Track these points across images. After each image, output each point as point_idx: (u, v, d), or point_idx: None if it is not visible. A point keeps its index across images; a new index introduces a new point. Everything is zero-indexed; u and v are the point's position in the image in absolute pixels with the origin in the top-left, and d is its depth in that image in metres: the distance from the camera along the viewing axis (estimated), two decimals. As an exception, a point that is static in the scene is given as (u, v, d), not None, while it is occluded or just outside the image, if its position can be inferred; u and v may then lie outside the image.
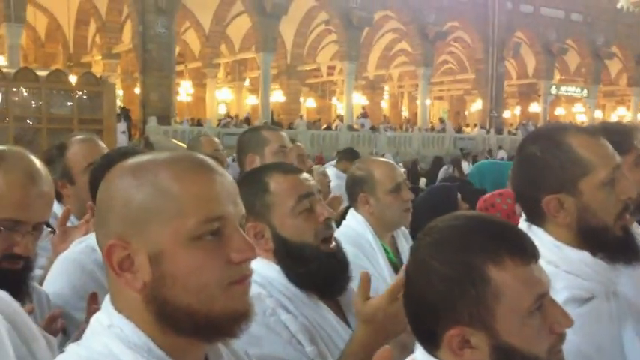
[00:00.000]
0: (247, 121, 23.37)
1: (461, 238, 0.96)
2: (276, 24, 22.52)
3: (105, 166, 1.69)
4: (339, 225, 2.60)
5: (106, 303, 0.91)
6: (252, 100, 30.64)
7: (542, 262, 1.20)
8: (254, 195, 1.44)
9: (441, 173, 12.32)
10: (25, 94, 11.56)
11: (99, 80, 12.82)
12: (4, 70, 11.75)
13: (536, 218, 1.35)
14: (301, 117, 24.49)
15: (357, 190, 2.31)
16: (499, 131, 27.33)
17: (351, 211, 2.37)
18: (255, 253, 0.90)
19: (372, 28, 26.52)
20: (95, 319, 0.90)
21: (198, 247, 0.85)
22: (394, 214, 2.28)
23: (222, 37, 26.99)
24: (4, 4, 17.31)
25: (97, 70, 23.82)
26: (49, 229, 1.36)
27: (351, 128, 23.30)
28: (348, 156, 6.48)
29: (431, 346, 0.98)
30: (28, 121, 11.51)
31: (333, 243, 1.47)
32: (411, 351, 1.03)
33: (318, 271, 1.41)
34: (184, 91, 27.39)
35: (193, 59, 27.87)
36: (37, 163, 1.34)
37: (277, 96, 28.28)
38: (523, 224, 1.38)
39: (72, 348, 0.89)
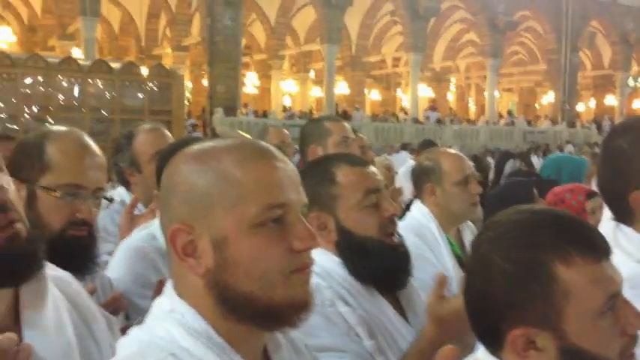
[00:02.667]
0: (310, 113, 23.47)
1: (525, 233, 0.91)
2: (342, 15, 22.46)
3: (171, 154, 1.71)
4: (400, 217, 2.56)
5: (168, 288, 0.91)
6: (316, 92, 30.73)
7: (631, 261, 1.13)
8: (319, 185, 1.42)
9: (508, 167, 11.99)
10: (100, 85, 12.03)
11: (168, 72, 13.16)
12: (80, 62, 12.26)
13: (623, 215, 1.27)
14: (357, 108, 24.30)
15: (423, 180, 2.28)
16: (572, 125, 26.34)
17: (416, 202, 2.33)
18: (318, 242, 0.89)
19: (438, 18, 26.06)
20: (157, 304, 0.91)
21: (261, 233, 0.85)
22: (460, 207, 2.23)
23: (288, 28, 27.16)
24: (81, -2, 18.03)
25: (167, 62, 24.49)
26: (108, 201, 1.42)
27: (416, 121, 23.01)
28: (427, 147, 6.45)
29: (493, 346, 0.94)
30: (102, 111, 11.97)
31: (396, 237, 1.45)
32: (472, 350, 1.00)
33: (380, 265, 1.40)
34: (250, 82, 27.77)
35: (259, 51, 28.19)
36: (85, 135, 1.41)
37: (342, 88, 28.25)
38: (610, 223, 1.29)
39: (134, 332, 0.90)
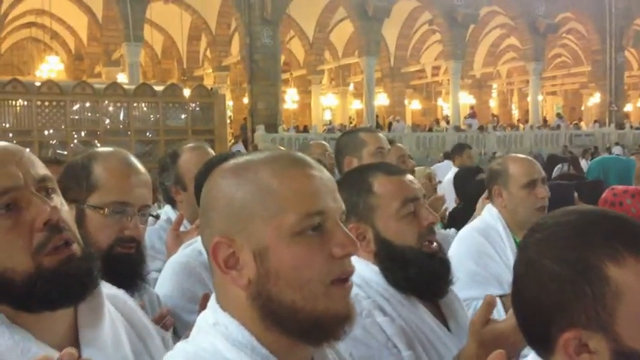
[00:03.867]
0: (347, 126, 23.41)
1: (574, 233, 0.88)
2: (379, 27, 22.47)
3: (208, 172, 1.75)
4: (447, 225, 2.54)
5: (212, 302, 0.92)
6: (356, 105, 30.76)
7: None
8: (357, 195, 1.43)
9: (555, 172, 11.66)
10: (145, 108, 12.35)
11: (210, 92, 13.42)
12: (125, 87, 12.62)
13: None
14: (398, 120, 24.18)
15: (492, 182, 2.36)
16: (620, 126, 25.58)
17: (488, 205, 2.40)
18: (357, 248, 0.89)
19: (477, 24, 25.81)
20: (202, 317, 0.92)
21: (301, 242, 0.86)
22: (526, 210, 2.26)
23: (326, 43, 27.33)
24: (124, 24, 18.57)
25: (209, 82, 24.91)
26: (154, 218, 1.44)
27: (458, 129, 22.76)
28: (458, 150, 6.68)
29: (544, 351, 0.92)
30: (148, 134, 12.28)
31: (434, 244, 1.43)
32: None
33: (419, 274, 1.39)
34: (290, 98, 28.00)
35: (298, 67, 28.42)
36: (130, 155, 1.45)
37: (381, 99, 28.21)
38: None
39: (180, 345, 0.92)
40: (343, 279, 0.89)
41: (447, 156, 13.28)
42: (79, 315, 0.98)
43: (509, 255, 2.18)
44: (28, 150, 0.99)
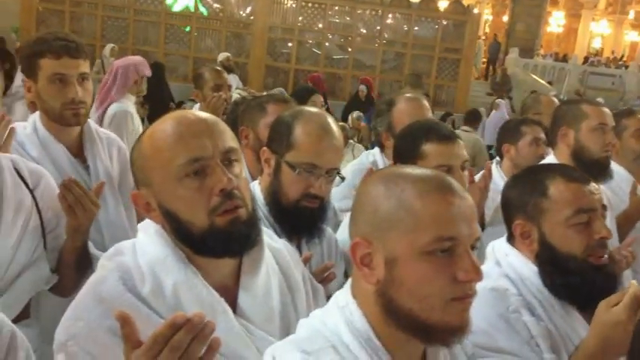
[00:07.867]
0: (617, 60, 20.85)
1: None
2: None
3: (406, 134, 1.87)
4: None
5: (347, 285, 1.05)
6: (632, 37, 27.20)
7: None
8: (529, 194, 1.43)
9: None
10: (398, 19, 12.47)
11: (465, 10, 12.97)
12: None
13: None
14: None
15: None
16: None
17: None
18: (481, 277, 0.95)
19: None
20: (336, 296, 1.06)
21: (429, 261, 0.94)
22: None
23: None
24: None
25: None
26: (340, 177, 1.58)
27: None
28: None
29: None
30: (397, 45, 12.45)
31: (605, 256, 1.39)
32: None
33: (581, 285, 1.36)
34: (555, 21, 25.71)
35: (572, -13, 25.76)
36: (330, 118, 1.58)
37: (665, 34, 24.50)
38: None
39: (314, 314, 1.07)
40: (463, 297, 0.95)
41: None
42: (243, 263, 1.18)
43: None
44: (220, 121, 1.16)
